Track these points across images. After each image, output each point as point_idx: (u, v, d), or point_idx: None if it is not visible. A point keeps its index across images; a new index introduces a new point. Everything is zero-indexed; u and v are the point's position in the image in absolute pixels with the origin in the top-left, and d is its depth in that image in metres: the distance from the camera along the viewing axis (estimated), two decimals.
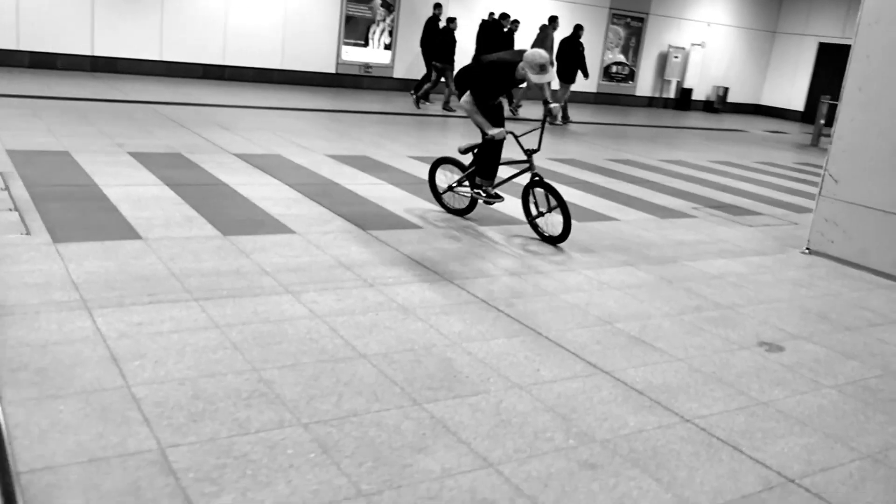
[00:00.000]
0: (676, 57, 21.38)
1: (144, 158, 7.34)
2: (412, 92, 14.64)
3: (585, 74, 14.68)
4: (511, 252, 5.73)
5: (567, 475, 2.91)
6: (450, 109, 14.30)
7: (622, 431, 3.29)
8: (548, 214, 6.14)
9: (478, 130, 6.21)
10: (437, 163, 6.72)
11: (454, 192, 6.56)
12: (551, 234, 6.04)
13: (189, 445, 2.81)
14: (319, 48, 16.19)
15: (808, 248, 6.78)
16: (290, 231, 5.59)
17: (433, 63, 14.20)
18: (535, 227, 6.17)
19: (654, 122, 17.50)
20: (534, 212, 6.19)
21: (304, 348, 3.72)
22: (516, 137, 6.12)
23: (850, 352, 4.55)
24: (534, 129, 6.47)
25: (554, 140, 12.02)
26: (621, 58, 20.58)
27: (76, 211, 5.46)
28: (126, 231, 5.14)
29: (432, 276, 4.99)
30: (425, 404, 3.32)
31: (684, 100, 22.10)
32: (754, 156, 13.57)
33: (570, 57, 14.55)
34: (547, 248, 5.93)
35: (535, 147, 6.21)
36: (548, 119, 6.19)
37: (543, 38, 14.86)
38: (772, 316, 5.01)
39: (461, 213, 6.59)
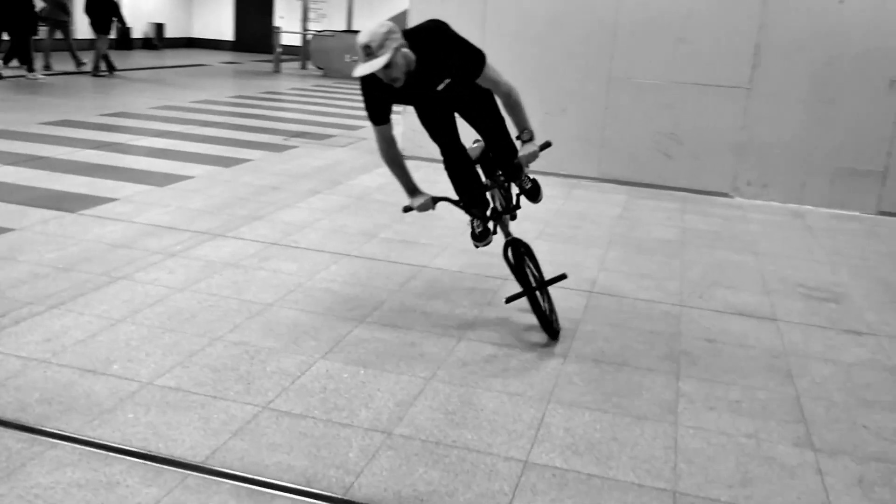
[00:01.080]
0: None
1: None
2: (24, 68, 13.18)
3: (122, 23, 15.11)
4: (227, 196, 6.17)
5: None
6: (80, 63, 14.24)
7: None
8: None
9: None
10: None
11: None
12: (551, 320, 4.03)
13: (282, 399, 3.18)
14: None
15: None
16: (7, 230, 5.08)
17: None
18: (534, 303, 3.93)
19: (128, 66, 17.24)
20: (532, 280, 3.99)
21: (220, 313, 4.00)
22: (458, 203, 3.98)
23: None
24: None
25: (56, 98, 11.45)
26: None
27: None
28: None
29: (201, 235, 5.27)
30: (368, 320, 4.06)
31: (125, 39, 21.79)
32: (250, 88, 14.79)
33: (104, 7, 14.25)
34: (243, 188, 6.47)
35: (501, 207, 4.15)
36: (518, 177, 4.04)
37: None
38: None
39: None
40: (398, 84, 3.44)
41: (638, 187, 7.82)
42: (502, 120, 3.95)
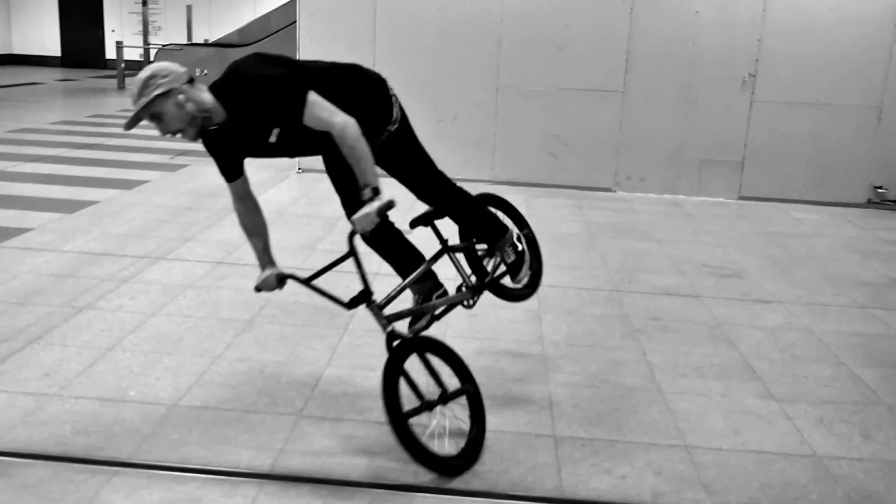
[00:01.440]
0: None
1: None
2: None
3: None
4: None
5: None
6: None
7: None
8: (444, 408, 3.03)
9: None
10: None
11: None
12: (447, 453, 2.94)
13: (311, 406, 3.33)
14: None
15: (300, 168, 8.59)
16: None
17: None
18: (402, 433, 2.77)
19: None
20: (411, 401, 2.92)
21: (206, 333, 4.05)
22: (307, 283, 3.12)
23: None
24: (335, 264, 3.23)
25: None
26: None
27: None
28: None
29: (141, 259, 5.20)
30: (351, 327, 4.24)
31: None
32: (103, 106, 14.14)
33: None
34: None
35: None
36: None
37: None
38: None
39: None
40: (188, 138, 2.78)
41: (530, 187, 8.36)
42: (426, 167, 3.29)
